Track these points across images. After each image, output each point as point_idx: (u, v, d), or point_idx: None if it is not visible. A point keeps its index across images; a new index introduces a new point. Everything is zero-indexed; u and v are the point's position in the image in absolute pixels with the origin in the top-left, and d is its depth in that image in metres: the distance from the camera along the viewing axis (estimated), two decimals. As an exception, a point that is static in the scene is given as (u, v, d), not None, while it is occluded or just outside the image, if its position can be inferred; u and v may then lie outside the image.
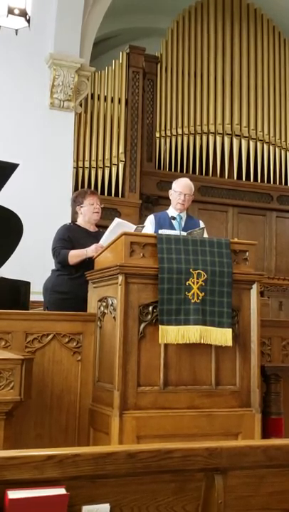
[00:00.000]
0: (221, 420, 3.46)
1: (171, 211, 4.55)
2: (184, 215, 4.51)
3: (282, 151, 9.74)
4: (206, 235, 4.46)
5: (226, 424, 3.47)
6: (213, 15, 9.71)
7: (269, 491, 1.83)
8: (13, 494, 1.51)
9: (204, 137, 9.31)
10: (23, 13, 5.93)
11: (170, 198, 4.60)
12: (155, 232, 4.12)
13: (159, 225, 4.36)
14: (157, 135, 9.11)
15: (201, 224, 4.52)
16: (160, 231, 3.95)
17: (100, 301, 3.76)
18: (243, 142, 9.47)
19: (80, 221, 4.54)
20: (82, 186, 8.24)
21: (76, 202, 4.54)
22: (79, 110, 8.36)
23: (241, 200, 9.59)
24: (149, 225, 4.44)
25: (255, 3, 9.99)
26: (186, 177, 4.98)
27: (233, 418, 3.50)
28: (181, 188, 4.52)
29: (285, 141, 9.78)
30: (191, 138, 9.24)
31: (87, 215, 4.48)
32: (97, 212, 4.49)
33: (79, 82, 8.06)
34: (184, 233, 3.95)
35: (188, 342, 3.39)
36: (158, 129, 9.13)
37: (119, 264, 3.40)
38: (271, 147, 9.64)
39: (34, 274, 4.90)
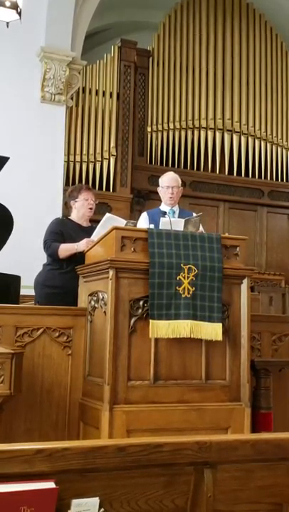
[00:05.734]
0: (211, 414, 3.48)
1: (164, 207, 4.55)
2: (176, 208, 4.52)
3: (274, 147, 9.76)
4: (201, 229, 4.47)
5: (215, 418, 3.48)
6: (206, 9, 9.69)
7: (258, 485, 1.84)
8: (2, 488, 1.51)
9: (196, 132, 9.31)
10: (15, 6, 5.90)
11: (160, 194, 4.60)
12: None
13: (153, 222, 4.35)
14: (149, 129, 9.10)
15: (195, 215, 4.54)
16: (162, 219, 3.93)
17: (90, 295, 3.76)
18: (235, 137, 9.47)
19: (73, 216, 4.52)
20: (74, 180, 8.22)
21: (71, 196, 4.53)
22: (70, 104, 8.33)
23: (232, 196, 9.61)
24: (143, 222, 4.43)
25: (247, -2, 9.99)
26: (177, 172, 4.98)
27: (222, 412, 3.51)
28: (167, 182, 4.53)
29: (277, 136, 9.80)
30: (183, 132, 9.23)
31: (81, 210, 4.47)
32: (91, 209, 4.48)
33: (70, 76, 8.03)
34: (181, 220, 3.92)
35: (178, 337, 3.40)
36: (150, 123, 9.12)
37: (110, 258, 3.40)
38: (263, 142, 9.66)
39: (25, 267, 4.88)
